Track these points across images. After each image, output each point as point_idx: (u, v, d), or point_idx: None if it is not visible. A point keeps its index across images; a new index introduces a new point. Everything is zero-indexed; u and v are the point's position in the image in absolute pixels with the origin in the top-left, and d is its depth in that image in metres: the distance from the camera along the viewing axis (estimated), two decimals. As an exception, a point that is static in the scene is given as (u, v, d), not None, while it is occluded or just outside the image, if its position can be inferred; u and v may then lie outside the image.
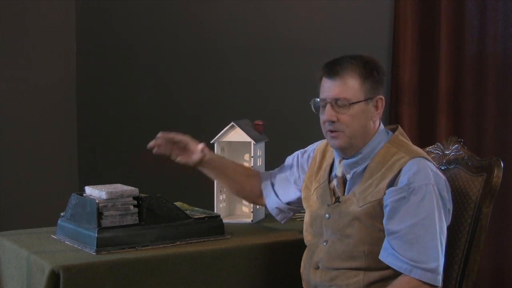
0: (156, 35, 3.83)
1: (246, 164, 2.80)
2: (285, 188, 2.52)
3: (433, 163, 2.17)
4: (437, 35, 3.95)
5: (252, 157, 2.75)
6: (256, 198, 2.60)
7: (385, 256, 2.09)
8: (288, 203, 2.52)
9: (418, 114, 4.04)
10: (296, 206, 2.53)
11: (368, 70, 2.17)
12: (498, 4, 3.83)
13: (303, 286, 2.31)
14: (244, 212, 2.84)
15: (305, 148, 2.53)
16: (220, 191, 2.78)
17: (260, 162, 2.80)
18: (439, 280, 2.06)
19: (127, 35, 3.79)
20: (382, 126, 2.24)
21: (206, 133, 3.96)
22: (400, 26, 4.03)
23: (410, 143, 2.23)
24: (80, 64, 3.65)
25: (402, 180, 2.09)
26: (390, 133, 2.25)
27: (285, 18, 3.98)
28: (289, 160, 2.55)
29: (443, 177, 2.15)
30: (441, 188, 2.11)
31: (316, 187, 2.32)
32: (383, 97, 2.20)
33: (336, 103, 2.15)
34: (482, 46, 3.90)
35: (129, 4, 3.77)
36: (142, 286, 2.21)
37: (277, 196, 2.53)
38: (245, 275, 2.39)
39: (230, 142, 2.80)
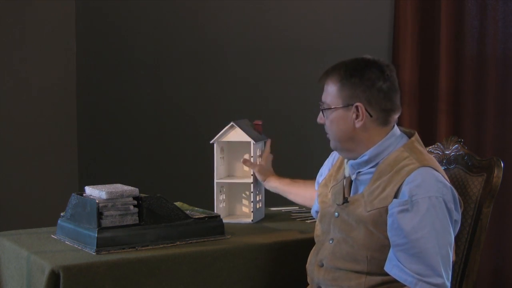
0: (156, 35, 3.83)
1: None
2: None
3: (442, 174, 2.13)
4: (437, 35, 3.95)
5: (252, 156, 2.75)
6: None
7: (390, 267, 2.07)
8: None
9: (418, 114, 4.04)
10: None
11: (349, 76, 2.16)
12: (498, 4, 3.83)
13: (308, 281, 2.31)
14: (244, 212, 2.83)
15: None
16: (220, 191, 2.78)
17: (259, 161, 2.80)
18: None
19: (127, 35, 3.79)
20: (396, 130, 2.21)
21: (206, 133, 3.96)
22: (400, 26, 4.03)
23: (425, 151, 2.20)
24: (80, 64, 3.65)
25: (404, 191, 2.07)
26: (405, 138, 2.22)
27: (285, 18, 3.98)
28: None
29: (451, 187, 2.12)
30: (448, 199, 2.07)
31: (333, 185, 2.32)
32: (362, 105, 2.15)
33: (322, 106, 2.23)
34: (482, 46, 3.90)
35: (129, 4, 3.77)
36: (142, 286, 2.21)
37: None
38: (245, 275, 2.39)
39: (229, 142, 2.80)
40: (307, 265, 2.31)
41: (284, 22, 3.98)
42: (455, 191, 2.13)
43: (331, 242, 2.22)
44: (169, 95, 3.83)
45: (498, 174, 2.32)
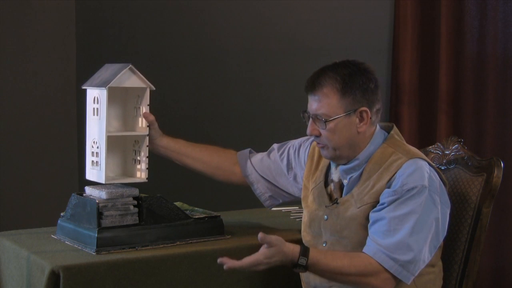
0: (156, 35, 3.82)
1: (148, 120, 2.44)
2: (280, 180, 2.50)
3: (429, 163, 2.16)
4: (437, 35, 3.95)
5: (148, 105, 2.42)
6: (227, 176, 2.55)
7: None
8: (287, 193, 2.51)
9: (418, 114, 4.05)
10: (288, 196, 2.52)
11: (348, 83, 2.12)
12: (498, 4, 3.83)
13: (303, 286, 2.31)
14: (133, 170, 2.46)
15: (299, 141, 2.49)
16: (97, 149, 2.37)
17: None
18: (406, 277, 2.04)
19: (127, 35, 3.78)
20: (378, 128, 2.23)
21: (206, 132, 3.96)
22: (400, 26, 4.03)
23: (405, 142, 2.23)
24: (80, 64, 3.65)
25: (396, 182, 2.09)
26: (386, 133, 2.24)
27: (285, 18, 3.98)
28: (283, 154, 2.50)
29: (438, 180, 2.14)
30: (433, 190, 2.10)
31: (313, 188, 2.31)
32: (367, 109, 2.14)
33: (315, 118, 2.15)
34: (482, 46, 3.90)
35: (130, 4, 3.77)
36: (142, 286, 2.21)
37: (273, 185, 2.51)
38: (245, 275, 2.39)
39: (121, 90, 2.42)
40: None
41: (284, 22, 3.98)
42: (441, 183, 2.14)
43: (324, 245, 2.22)
44: (168, 94, 3.83)
45: (498, 174, 2.32)
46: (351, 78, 2.13)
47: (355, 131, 2.16)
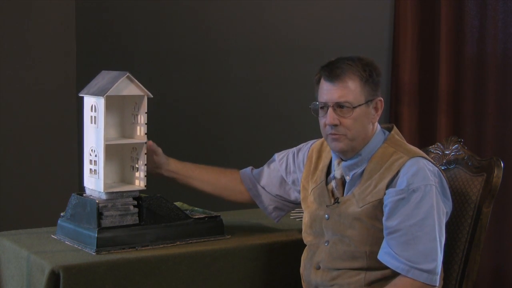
0: (156, 36, 3.82)
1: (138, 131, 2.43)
2: (281, 188, 2.52)
3: (431, 161, 2.17)
4: (437, 35, 3.95)
5: (146, 112, 2.39)
6: (234, 195, 2.58)
7: (382, 255, 2.10)
8: (291, 202, 2.52)
9: (418, 114, 4.05)
10: (293, 205, 2.54)
11: (367, 72, 2.16)
12: (498, 4, 3.83)
13: (303, 286, 2.31)
14: (130, 179, 2.45)
15: (298, 147, 2.52)
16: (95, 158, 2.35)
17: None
18: (436, 280, 2.07)
19: (127, 35, 3.78)
20: (379, 126, 2.25)
21: (206, 132, 3.96)
22: (400, 26, 4.03)
23: (405, 142, 2.24)
24: (80, 64, 3.65)
25: (401, 181, 2.10)
26: (387, 132, 2.25)
27: (285, 18, 3.98)
28: (282, 159, 2.52)
29: (440, 177, 2.16)
30: (438, 188, 2.12)
31: (313, 188, 2.32)
32: (382, 99, 2.21)
33: (338, 106, 2.15)
34: (482, 46, 3.90)
35: (130, 4, 3.77)
36: (142, 286, 2.21)
37: (275, 196, 2.53)
38: (245, 275, 2.39)
39: (117, 98, 2.39)
40: (301, 270, 2.31)
41: (284, 22, 3.98)
42: (444, 179, 2.16)
43: (326, 244, 2.22)
44: (169, 95, 3.83)
45: (498, 174, 2.33)
46: (369, 68, 2.17)
47: (370, 122, 2.19)
